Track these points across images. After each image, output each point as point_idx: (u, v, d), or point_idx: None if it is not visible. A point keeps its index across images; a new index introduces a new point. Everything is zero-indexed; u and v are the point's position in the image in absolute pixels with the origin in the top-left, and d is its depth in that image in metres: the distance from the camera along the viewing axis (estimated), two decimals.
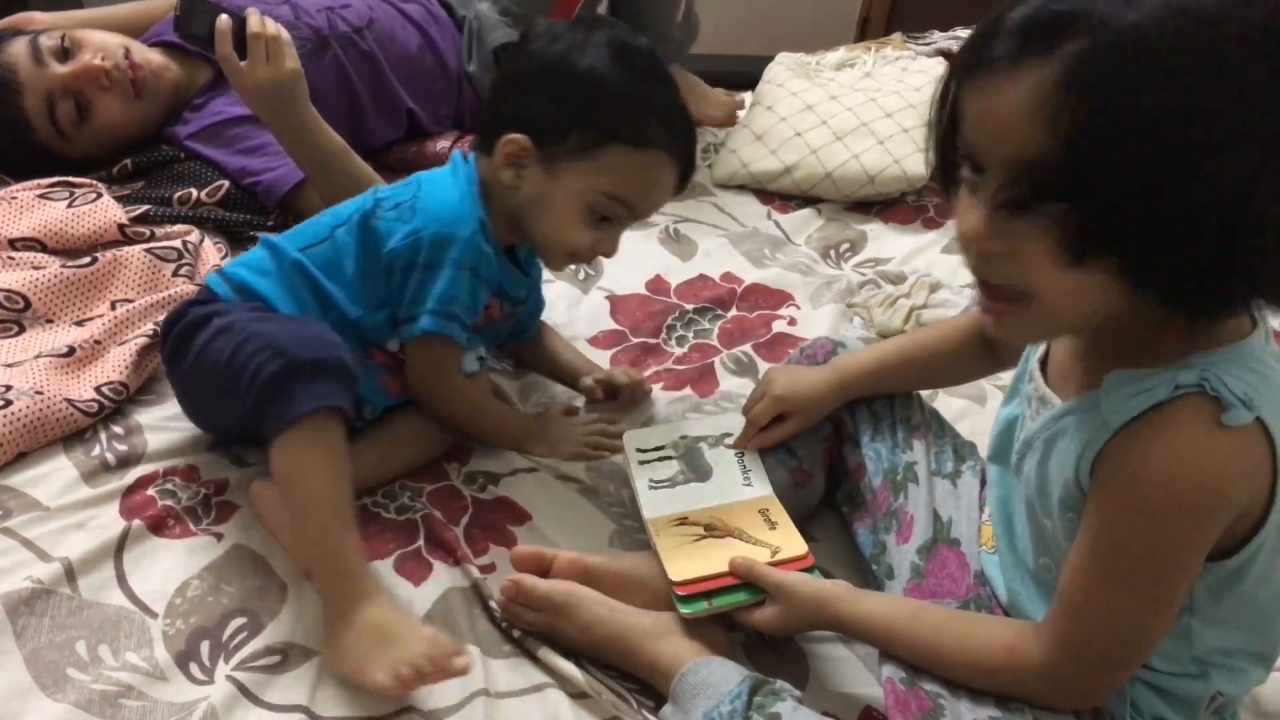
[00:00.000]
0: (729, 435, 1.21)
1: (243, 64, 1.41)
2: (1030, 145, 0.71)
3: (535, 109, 1.16)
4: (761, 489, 1.14)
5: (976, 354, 1.13)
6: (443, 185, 1.20)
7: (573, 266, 1.66)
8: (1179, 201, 0.69)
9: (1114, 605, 0.82)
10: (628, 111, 1.14)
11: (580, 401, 1.40)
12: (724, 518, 1.11)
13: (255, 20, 1.41)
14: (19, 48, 1.62)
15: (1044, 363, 0.93)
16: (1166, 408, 0.77)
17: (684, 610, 1.02)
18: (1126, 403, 0.79)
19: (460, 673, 0.95)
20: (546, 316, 1.47)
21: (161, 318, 1.35)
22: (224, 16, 1.40)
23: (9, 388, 1.22)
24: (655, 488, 1.16)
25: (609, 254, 1.23)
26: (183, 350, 1.15)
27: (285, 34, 1.44)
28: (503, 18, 1.95)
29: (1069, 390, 0.87)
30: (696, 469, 1.18)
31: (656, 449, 1.21)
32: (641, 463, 1.19)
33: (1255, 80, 0.67)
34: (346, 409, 1.05)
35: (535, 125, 1.15)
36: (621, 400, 1.39)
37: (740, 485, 1.16)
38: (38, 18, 1.78)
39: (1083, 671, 0.85)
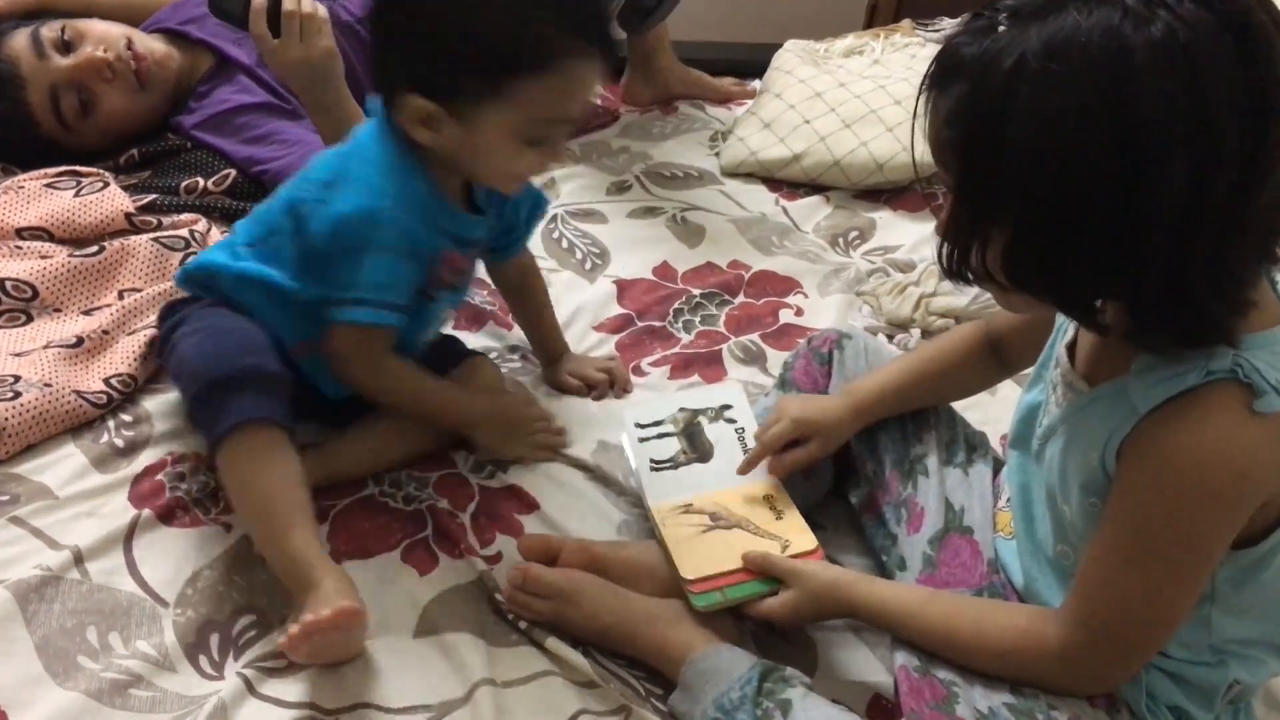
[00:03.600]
0: (729, 407, 1.20)
1: (276, 41, 1.41)
2: (946, 169, 0.80)
3: (420, 66, 1.05)
4: (764, 471, 1.13)
5: (986, 363, 1.12)
6: (365, 158, 1.11)
7: (565, 247, 1.67)
8: (1076, 235, 0.74)
9: (1134, 589, 0.82)
10: (514, 39, 1.02)
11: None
12: (729, 505, 1.11)
13: None
14: (20, 41, 1.61)
15: (1071, 348, 0.92)
16: (1197, 393, 0.77)
17: (698, 604, 1.01)
18: (1156, 387, 0.79)
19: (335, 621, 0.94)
20: (555, 295, 1.47)
21: None
22: None
23: (18, 378, 1.22)
24: (657, 469, 1.15)
25: (563, 161, 1.15)
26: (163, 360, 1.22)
27: (322, 10, 1.44)
28: None
29: (1096, 376, 0.87)
30: (698, 447, 1.17)
31: (655, 424, 1.19)
32: (641, 440, 1.18)
33: (1170, 95, 0.69)
34: (270, 417, 1.06)
35: (426, 83, 1.05)
36: (598, 394, 1.37)
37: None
38: None
39: (1098, 655, 0.85)
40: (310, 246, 1.11)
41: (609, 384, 1.38)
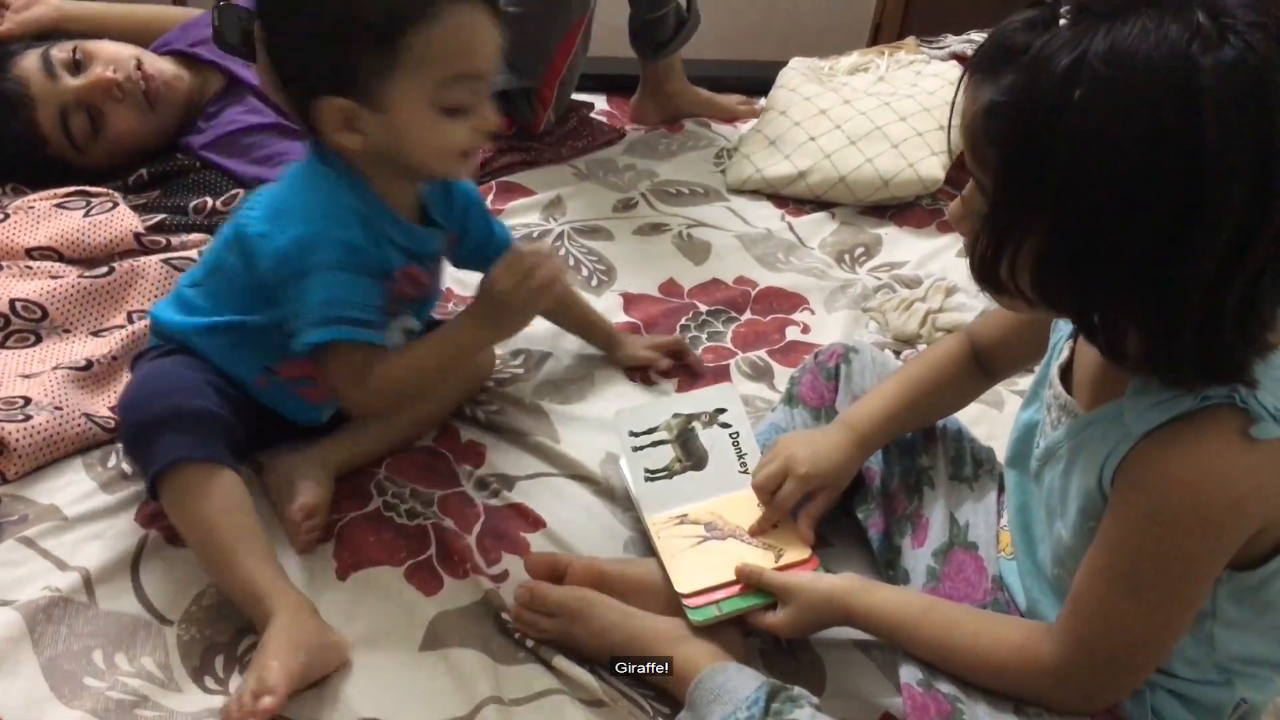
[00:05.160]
0: (723, 410, 1.19)
1: None
2: (982, 164, 0.77)
3: (320, 66, 1.03)
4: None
5: (973, 376, 1.12)
6: (300, 186, 1.10)
7: (571, 264, 1.67)
8: (1118, 255, 0.71)
9: (1127, 610, 0.82)
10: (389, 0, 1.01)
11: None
12: (724, 514, 1.11)
13: None
14: (31, 61, 1.63)
15: (1064, 370, 0.92)
16: (1193, 417, 0.76)
17: (694, 618, 1.01)
18: (1151, 411, 0.78)
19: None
20: None
21: None
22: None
23: (28, 400, 1.23)
24: (651, 479, 1.15)
25: (493, 127, 1.09)
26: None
27: None
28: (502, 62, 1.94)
29: (1092, 398, 0.87)
30: (692, 454, 1.17)
31: (649, 431, 1.19)
32: (635, 449, 1.17)
33: (1236, 124, 0.66)
34: (193, 456, 1.06)
35: (332, 81, 1.03)
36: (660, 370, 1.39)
37: (738, 473, 1.15)
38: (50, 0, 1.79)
39: (1092, 674, 0.85)
40: (262, 280, 1.09)
41: (670, 359, 1.39)
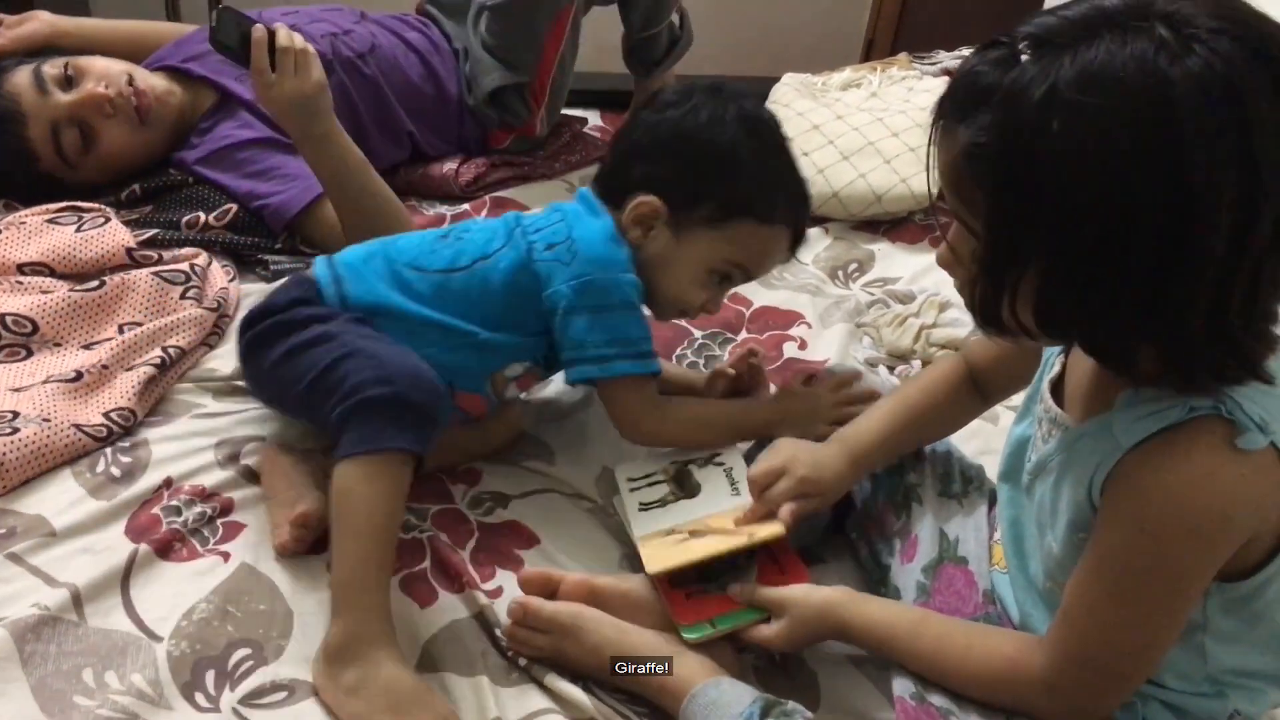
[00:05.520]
0: (717, 454, 1.21)
1: (273, 75, 1.43)
2: (968, 206, 0.77)
3: (671, 175, 1.19)
4: (749, 496, 1.12)
5: (968, 398, 1.12)
6: (593, 227, 1.21)
7: None
8: (1120, 276, 0.71)
9: (1116, 621, 0.82)
10: (760, 189, 1.19)
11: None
12: (710, 525, 1.11)
13: (284, 34, 1.44)
14: (22, 77, 1.62)
15: (1055, 384, 0.92)
16: (1180, 429, 0.77)
17: (687, 636, 1.01)
18: (1139, 423, 0.79)
19: None
20: None
21: (170, 341, 1.37)
22: (259, 26, 1.43)
23: (16, 414, 1.22)
24: (645, 509, 1.15)
25: (714, 312, 1.27)
26: (270, 343, 1.17)
27: (311, 48, 1.47)
28: (494, 59, 1.95)
29: (1082, 411, 0.87)
30: (686, 487, 1.18)
31: (646, 476, 1.20)
32: (632, 490, 1.19)
33: (1215, 131, 0.67)
34: (425, 456, 1.07)
35: (668, 191, 1.19)
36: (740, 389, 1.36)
37: (728, 495, 1.15)
38: (42, 15, 1.80)
39: (1082, 685, 0.85)
40: (534, 300, 1.18)
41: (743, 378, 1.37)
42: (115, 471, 1.20)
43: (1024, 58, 0.72)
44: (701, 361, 1.53)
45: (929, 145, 0.80)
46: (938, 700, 0.90)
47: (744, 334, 1.59)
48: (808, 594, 1.00)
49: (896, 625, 0.95)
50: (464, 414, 1.23)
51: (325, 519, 1.10)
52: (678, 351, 1.55)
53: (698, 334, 1.59)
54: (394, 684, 0.96)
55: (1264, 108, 0.68)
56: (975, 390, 1.12)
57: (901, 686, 0.92)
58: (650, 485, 1.19)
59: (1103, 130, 0.68)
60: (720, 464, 1.19)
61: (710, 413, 1.25)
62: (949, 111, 0.77)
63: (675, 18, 2.10)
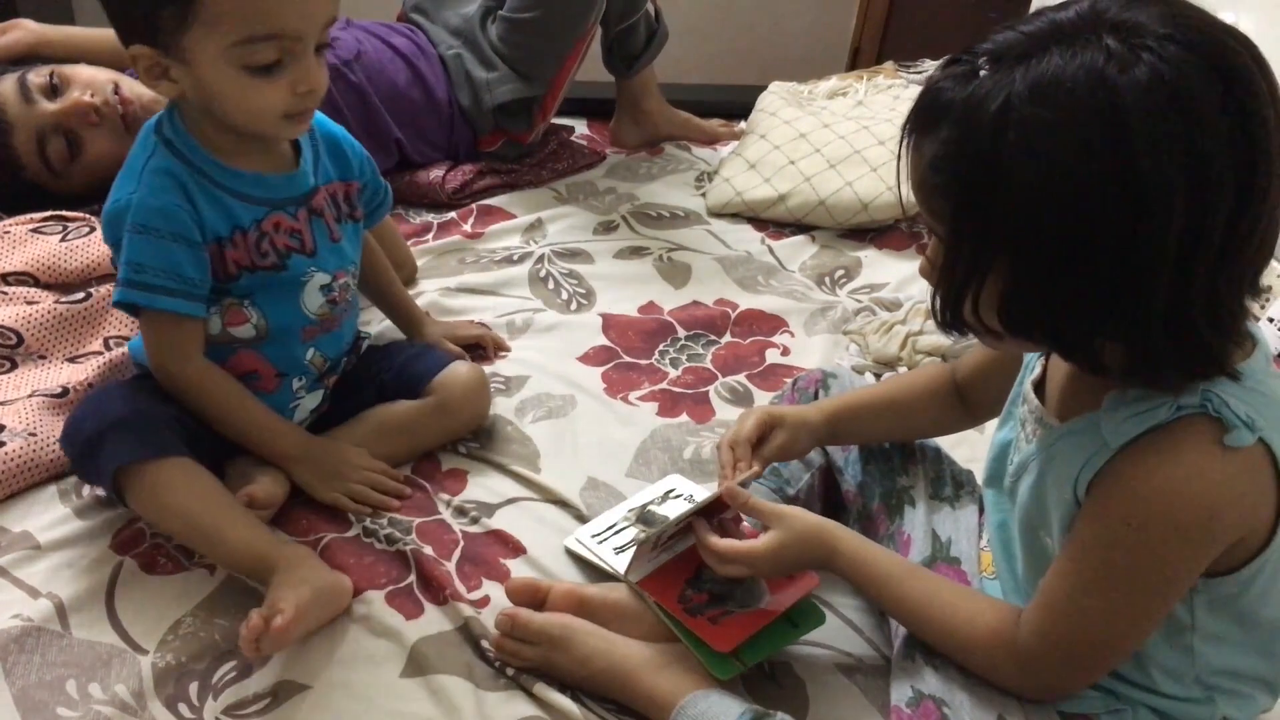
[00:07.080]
0: (672, 490, 1.21)
1: None
2: (936, 216, 0.79)
3: (130, 12, 1.03)
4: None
5: (951, 405, 1.13)
6: (131, 155, 1.12)
7: (550, 288, 1.67)
8: (1078, 277, 0.73)
9: (1092, 611, 0.83)
10: None
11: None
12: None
13: None
14: (7, 86, 1.62)
15: (1038, 384, 0.92)
16: (1168, 428, 0.78)
17: (720, 676, 0.99)
18: (1127, 423, 0.79)
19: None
20: (539, 331, 1.50)
21: None
22: None
23: (2, 428, 1.21)
24: (621, 552, 1.15)
25: (317, 87, 1.08)
26: None
27: None
28: (510, 69, 1.95)
29: (1067, 411, 0.87)
30: (651, 523, 1.18)
31: (610, 527, 1.19)
32: (600, 542, 1.17)
33: (1163, 136, 0.69)
34: (148, 454, 1.07)
35: (138, 30, 1.03)
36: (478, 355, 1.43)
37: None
38: (26, 24, 1.79)
39: (1053, 667, 0.86)
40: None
41: (487, 344, 1.44)
42: (101, 493, 1.19)
43: (982, 73, 0.75)
44: (684, 358, 1.54)
45: (897, 161, 0.82)
46: (929, 686, 0.90)
47: (728, 337, 1.59)
48: (804, 512, 1.01)
49: (889, 567, 0.96)
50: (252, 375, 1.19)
51: (277, 500, 1.16)
52: (660, 346, 1.56)
53: (681, 332, 1.59)
54: (289, 573, 1.03)
55: (1212, 111, 0.69)
56: (959, 399, 1.12)
57: (897, 695, 0.92)
58: (616, 534, 1.18)
59: (1055, 140, 0.71)
60: (679, 496, 1.21)
61: (237, 407, 1.17)
62: (916, 125, 0.80)
63: (651, 8, 2.10)
